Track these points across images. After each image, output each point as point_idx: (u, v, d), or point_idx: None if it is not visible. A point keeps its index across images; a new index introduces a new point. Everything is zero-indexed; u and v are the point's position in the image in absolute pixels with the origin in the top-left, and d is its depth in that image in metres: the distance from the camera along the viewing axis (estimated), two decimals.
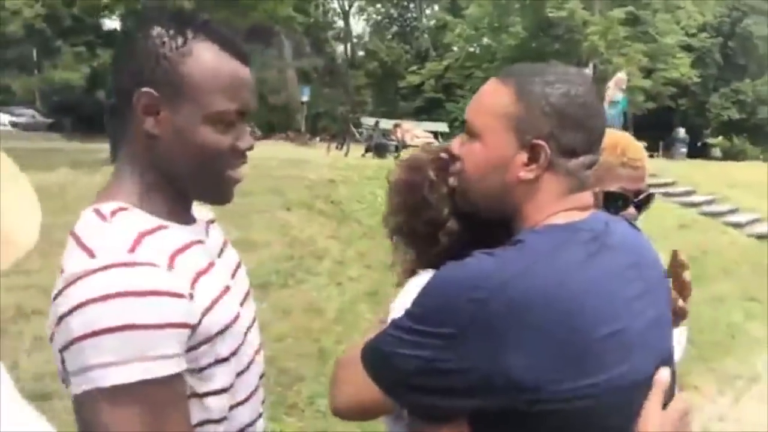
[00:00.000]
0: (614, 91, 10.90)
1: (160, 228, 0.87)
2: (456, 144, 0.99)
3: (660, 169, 12.39)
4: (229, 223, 5.82)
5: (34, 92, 26.04)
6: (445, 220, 1.04)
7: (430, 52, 34.31)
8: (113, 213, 0.86)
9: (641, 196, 1.34)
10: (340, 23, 38.88)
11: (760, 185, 14.05)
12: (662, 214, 8.80)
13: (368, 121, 17.25)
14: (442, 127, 19.76)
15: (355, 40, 39.92)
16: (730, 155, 27.59)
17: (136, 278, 0.77)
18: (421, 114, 29.99)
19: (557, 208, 0.90)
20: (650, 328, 0.88)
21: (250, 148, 0.92)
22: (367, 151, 13.11)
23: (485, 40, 27.73)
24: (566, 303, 0.79)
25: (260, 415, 1.01)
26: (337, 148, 14.23)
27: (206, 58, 0.87)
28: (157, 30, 0.87)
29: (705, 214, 9.78)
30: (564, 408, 0.78)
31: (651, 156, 20.35)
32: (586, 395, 0.79)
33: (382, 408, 0.94)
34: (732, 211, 10.28)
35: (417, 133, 15.23)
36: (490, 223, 0.97)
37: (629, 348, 0.83)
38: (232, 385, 0.91)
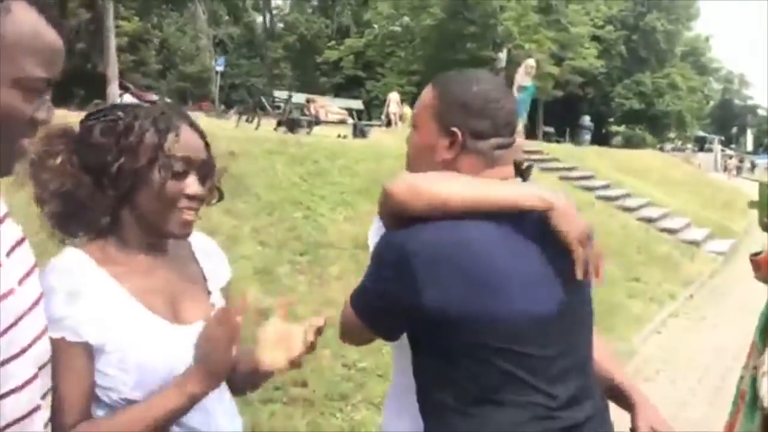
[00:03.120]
0: (523, 76, 11.32)
1: None
2: None
3: (564, 155, 12.94)
4: None
5: None
6: (54, 191, 1.10)
7: (351, 29, 34.01)
8: None
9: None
10: None
11: (652, 172, 15.03)
12: None
13: (282, 94, 16.84)
14: (357, 104, 19.58)
15: (274, 11, 38.89)
16: (631, 143, 29.34)
17: None
18: (340, 91, 29.74)
19: None
20: (539, 281, 1.09)
21: (48, 120, 0.87)
22: (279, 125, 12.74)
23: (405, 20, 27.76)
24: (469, 246, 1.05)
25: (37, 408, 0.91)
26: (248, 121, 13.74)
27: (25, 20, 0.81)
28: None
29: (601, 197, 10.30)
30: (465, 329, 1.03)
31: (558, 141, 21.45)
32: (485, 319, 1.03)
33: (365, 334, 1.20)
34: (625, 196, 10.90)
35: (331, 110, 15.11)
36: None
37: (524, 288, 1.06)
38: None
